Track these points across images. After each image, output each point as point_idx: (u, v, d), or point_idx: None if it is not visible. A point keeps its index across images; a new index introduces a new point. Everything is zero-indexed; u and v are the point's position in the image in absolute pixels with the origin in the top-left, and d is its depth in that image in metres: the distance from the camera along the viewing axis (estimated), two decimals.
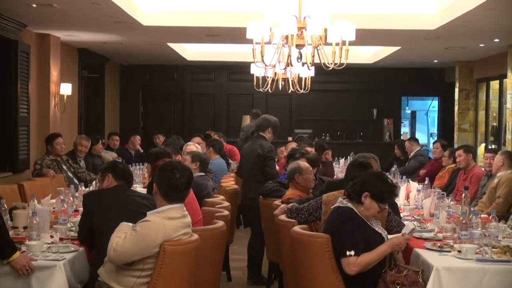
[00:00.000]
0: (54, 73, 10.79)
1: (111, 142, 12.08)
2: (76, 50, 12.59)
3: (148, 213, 4.44)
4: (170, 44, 12.59)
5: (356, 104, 16.06)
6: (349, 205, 4.71)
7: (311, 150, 8.34)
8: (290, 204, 5.74)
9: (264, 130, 8.10)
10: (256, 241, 7.63)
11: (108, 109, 14.95)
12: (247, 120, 15.47)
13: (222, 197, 7.04)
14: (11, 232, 5.24)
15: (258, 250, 7.58)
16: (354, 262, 4.51)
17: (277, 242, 6.09)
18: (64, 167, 9.20)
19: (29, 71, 9.91)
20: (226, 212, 5.91)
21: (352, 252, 4.52)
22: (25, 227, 5.38)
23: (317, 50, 6.38)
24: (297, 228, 4.96)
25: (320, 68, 6.95)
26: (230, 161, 10.52)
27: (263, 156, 7.84)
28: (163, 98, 16.50)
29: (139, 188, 7.66)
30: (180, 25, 10.07)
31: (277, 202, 6.33)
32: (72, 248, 4.91)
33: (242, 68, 13.78)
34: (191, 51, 14.54)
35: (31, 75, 10.00)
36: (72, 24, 9.89)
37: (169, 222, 4.33)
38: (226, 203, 6.45)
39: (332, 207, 4.91)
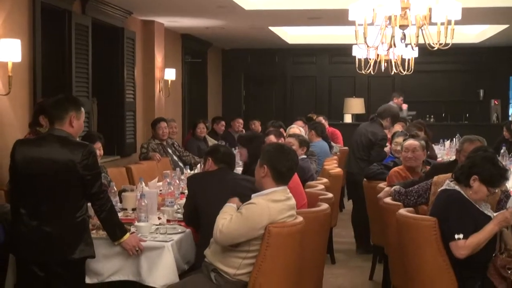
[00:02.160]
0: (159, 59, 11.00)
1: (217, 127, 12.20)
2: (179, 35, 12.78)
3: (253, 195, 4.47)
4: (272, 28, 12.60)
5: (461, 85, 15.64)
6: (457, 188, 4.59)
7: (421, 133, 8.24)
8: (396, 187, 5.66)
9: (384, 117, 8.54)
10: (360, 211, 7.75)
11: (211, 93, 15.13)
12: (349, 102, 15.37)
13: (325, 180, 7.01)
14: (120, 214, 5.40)
15: (363, 219, 7.52)
16: (463, 245, 4.40)
17: (381, 225, 6.01)
18: (170, 150, 9.38)
19: (134, 57, 10.14)
20: (330, 195, 5.89)
21: (461, 236, 4.41)
22: (133, 209, 5.52)
23: (421, 30, 6.25)
24: (403, 211, 4.88)
25: (423, 49, 6.81)
26: (332, 143, 10.45)
27: (373, 142, 8.25)
28: (264, 82, 16.55)
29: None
30: (282, 9, 10.05)
31: (381, 185, 6.25)
32: (179, 230, 5.01)
33: (344, 50, 13.61)
34: (292, 34, 14.52)
35: (136, 61, 10.23)
36: (175, 10, 10.04)
37: (274, 204, 4.35)
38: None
39: (439, 189, 4.80)
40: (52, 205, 4.30)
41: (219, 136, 11.72)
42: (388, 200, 5.53)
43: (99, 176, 4.47)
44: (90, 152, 4.38)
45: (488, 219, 4.54)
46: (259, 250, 4.31)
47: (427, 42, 6.49)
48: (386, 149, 8.33)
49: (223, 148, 5.41)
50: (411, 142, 6.54)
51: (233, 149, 8.08)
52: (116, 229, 4.55)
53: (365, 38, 6.86)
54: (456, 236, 4.40)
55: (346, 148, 11.31)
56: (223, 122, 12.32)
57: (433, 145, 10.00)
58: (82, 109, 4.57)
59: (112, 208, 4.53)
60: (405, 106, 13.41)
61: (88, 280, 4.61)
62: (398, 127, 8.91)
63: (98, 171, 4.47)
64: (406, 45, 8.01)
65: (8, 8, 6.48)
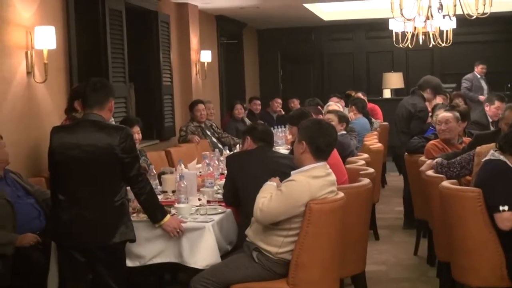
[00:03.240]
0: (194, 41, 10.96)
1: (253, 106, 12.17)
2: (213, 17, 12.73)
3: (292, 172, 4.41)
4: (306, 5, 12.46)
5: (502, 55, 15.30)
6: (502, 157, 4.49)
7: (460, 102, 8.13)
8: (438, 159, 5.55)
9: (423, 89, 8.44)
10: (406, 185, 7.72)
11: (248, 74, 15.07)
12: (388, 77, 15.18)
13: (366, 155, 6.93)
14: (160, 197, 5.39)
15: (409, 193, 7.46)
16: (508, 217, 4.31)
17: (424, 199, 5.92)
18: (208, 132, 9.37)
19: (170, 40, 10.11)
20: (371, 170, 5.81)
21: (506, 207, 4.31)
22: (173, 191, 5.50)
23: None
24: (446, 183, 4.79)
25: (462, 19, 6.68)
26: (372, 119, 10.34)
27: (413, 114, 8.18)
28: (301, 61, 16.42)
29: (282, 150, 7.67)
30: None
31: (423, 158, 6.15)
32: (219, 210, 4.99)
33: (380, 25, 13.44)
34: (327, 11, 14.36)
35: (172, 44, 10.20)
36: None
37: (314, 181, 4.29)
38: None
39: (483, 160, 4.70)
40: (90, 190, 4.30)
41: (256, 116, 11.68)
42: (430, 172, 5.43)
43: (137, 159, 4.45)
44: (127, 134, 4.37)
45: None
46: (300, 227, 4.26)
47: (465, 12, 6.36)
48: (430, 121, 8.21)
49: (261, 127, 5.36)
50: (444, 114, 6.44)
51: (272, 128, 8.03)
52: (156, 211, 4.54)
53: (401, 10, 6.75)
54: (501, 208, 4.31)
55: (386, 123, 11.20)
56: (258, 102, 12.28)
57: None
58: None
59: (151, 191, 4.52)
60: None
61: (129, 264, 4.62)
62: (439, 100, 8.76)
63: (136, 154, 4.45)
64: (444, 16, 7.90)
65: None
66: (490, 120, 7.57)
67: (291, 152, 6.08)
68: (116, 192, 4.34)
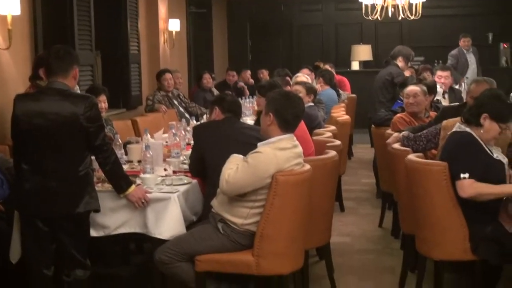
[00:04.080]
0: (162, 10, 10.82)
1: (228, 77, 12.08)
2: None
3: (258, 144, 4.39)
4: None
5: (470, 29, 15.30)
6: (467, 129, 4.52)
7: (428, 76, 8.17)
8: (405, 132, 5.58)
9: (395, 57, 8.84)
10: None
11: (216, 44, 14.95)
12: (357, 49, 15.17)
13: (333, 127, 6.93)
14: (125, 166, 5.35)
15: None
16: (469, 185, 4.32)
17: (390, 171, 5.95)
18: (175, 102, 9.31)
19: (137, 8, 9.97)
20: (338, 142, 5.81)
21: (467, 175, 4.33)
22: (139, 161, 5.46)
23: None
24: (412, 157, 4.80)
25: None
26: (340, 91, 10.34)
27: (390, 82, 8.54)
28: (270, 31, 16.32)
29: (249, 121, 7.65)
30: None
31: (389, 131, 6.18)
32: (185, 181, 4.95)
33: None
34: None
35: (140, 12, 10.06)
36: None
37: (280, 152, 4.27)
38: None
39: (449, 132, 4.73)
40: (54, 159, 4.24)
41: (230, 87, 11.60)
42: (396, 145, 5.45)
43: (102, 128, 4.40)
44: (92, 103, 4.31)
45: (499, 162, 4.49)
46: (266, 199, 4.25)
47: None
48: None
49: (229, 97, 5.31)
50: (412, 88, 6.46)
51: (240, 99, 7.98)
52: (121, 181, 4.50)
53: None
54: (462, 175, 4.34)
55: (354, 95, 11.23)
56: (233, 73, 12.19)
57: None
58: None
59: (116, 160, 4.47)
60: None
61: (94, 234, 4.58)
62: (407, 73, 8.81)
63: (101, 123, 4.40)
64: None
65: None
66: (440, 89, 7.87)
67: (257, 122, 6.08)
68: (80, 162, 4.29)
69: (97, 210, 4.42)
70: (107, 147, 4.40)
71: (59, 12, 7.62)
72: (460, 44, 13.02)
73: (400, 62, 8.78)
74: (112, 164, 4.42)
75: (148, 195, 4.57)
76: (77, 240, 4.35)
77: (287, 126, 4.35)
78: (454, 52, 13.02)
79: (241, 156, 4.39)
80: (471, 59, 12.95)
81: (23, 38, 6.68)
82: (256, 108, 8.35)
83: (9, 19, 6.09)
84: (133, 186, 4.52)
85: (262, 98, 6.15)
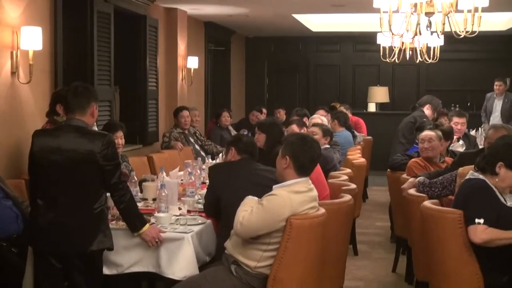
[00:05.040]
0: (182, 47, 10.93)
1: (252, 117, 11.99)
2: (202, 23, 12.70)
3: (274, 186, 4.39)
4: (295, 15, 12.48)
5: (488, 74, 15.31)
6: (481, 177, 4.49)
7: (445, 121, 8.15)
8: (420, 178, 5.55)
9: (423, 105, 9.08)
10: None
11: (234, 81, 15.04)
12: (373, 91, 15.20)
13: (349, 170, 6.92)
14: (140, 204, 5.37)
15: None
16: (483, 230, 4.27)
17: (405, 216, 5.92)
18: (192, 139, 9.34)
19: (157, 45, 10.08)
20: (353, 186, 5.80)
21: (481, 220, 4.28)
22: (154, 199, 5.47)
23: (448, 17, 6.13)
24: (427, 203, 4.78)
25: (449, 37, 6.65)
26: (356, 133, 10.35)
27: (413, 124, 8.60)
28: (288, 70, 16.42)
29: None
30: None
31: (405, 175, 6.15)
32: (199, 221, 4.94)
33: (368, 38, 13.46)
34: (316, 22, 14.38)
35: (159, 49, 10.16)
36: None
37: (295, 196, 4.27)
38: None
39: (462, 180, 4.70)
40: (70, 196, 4.26)
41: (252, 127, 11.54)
42: (412, 191, 5.43)
43: (118, 166, 4.41)
44: (109, 141, 4.33)
45: None
46: (280, 242, 4.23)
47: (453, 29, 6.37)
48: None
49: (245, 138, 5.33)
50: (426, 132, 6.46)
51: None
52: (135, 220, 4.50)
53: (390, 25, 6.75)
54: (477, 221, 4.29)
55: (370, 137, 11.22)
56: (258, 114, 11.98)
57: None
58: None
59: (131, 199, 4.48)
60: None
61: (107, 271, 4.58)
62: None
63: (117, 162, 4.42)
64: (432, 33, 7.92)
65: None
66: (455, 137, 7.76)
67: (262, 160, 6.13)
68: (95, 199, 4.30)
69: (110, 249, 4.41)
70: (122, 185, 4.41)
71: (80, 47, 7.74)
72: (495, 88, 12.38)
73: (427, 110, 9.02)
74: (127, 203, 4.43)
75: (162, 234, 4.56)
76: (89, 279, 4.33)
77: (303, 170, 4.35)
78: (488, 95, 12.63)
79: (256, 198, 4.38)
80: (497, 105, 12.34)
81: (44, 73, 6.76)
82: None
83: (30, 54, 6.18)
84: (147, 225, 4.52)
85: (263, 134, 6.21)
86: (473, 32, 6.23)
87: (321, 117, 9.07)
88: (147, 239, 4.50)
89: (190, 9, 11.03)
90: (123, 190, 4.41)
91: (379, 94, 15.19)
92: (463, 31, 6.24)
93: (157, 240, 4.51)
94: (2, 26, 5.98)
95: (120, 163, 4.57)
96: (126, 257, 4.59)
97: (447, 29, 6.15)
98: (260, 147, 6.22)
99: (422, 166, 6.28)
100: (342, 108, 11.79)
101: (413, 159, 6.46)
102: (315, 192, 4.43)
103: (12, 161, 6.11)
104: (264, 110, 12.27)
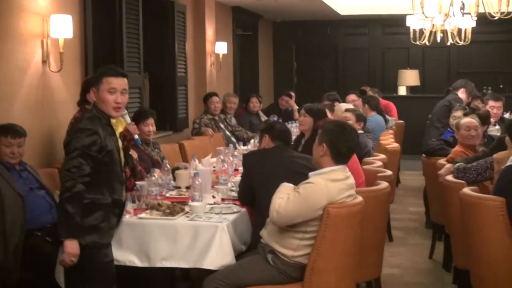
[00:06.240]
0: (210, 32, 10.85)
1: (282, 102, 11.88)
2: (230, 8, 12.60)
3: (310, 174, 4.31)
4: None
5: None
6: None
7: (482, 105, 8.00)
8: (457, 164, 5.44)
9: (457, 89, 8.91)
10: None
11: (262, 66, 14.94)
12: (403, 74, 15.02)
13: (383, 156, 6.81)
14: (174, 192, 5.31)
15: None
16: None
17: (441, 202, 5.82)
18: (222, 125, 9.28)
19: (185, 31, 10.00)
20: (389, 172, 5.70)
21: None
22: (187, 187, 5.42)
23: None
24: (467, 190, 4.67)
25: (481, 18, 6.51)
26: (387, 117, 10.21)
27: (448, 107, 8.38)
28: (316, 54, 16.26)
29: None
30: None
31: (442, 161, 6.03)
32: (234, 209, 4.88)
33: (397, 21, 13.28)
34: (344, 6, 14.22)
35: (187, 35, 10.09)
36: None
37: (333, 184, 4.18)
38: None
39: (503, 166, 4.59)
40: None
41: (282, 112, 11.43)
42: (450, 177, 5.32)
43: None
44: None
45: None
46: (317, 231, 4.16)
47: (487, 11, 6.24)
48: None
49: (279, 125, 5.26)
50: (470, 120, 6.20)
51: (286, 123, 7.91)
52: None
53: (422, 7, 6.63)
54: None
55: (402, 121, 11.09)
56: (288, 98, 11.83)
57: None
58: None
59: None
60: None
61: (138, 263, 4.54)
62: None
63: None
64: (464, 14, 7.77)
65: None
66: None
67: (295, 143, 6.06)
68: None
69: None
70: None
71: (109, 35, 7.69)
72: None
73: (462, 94, 8.85)
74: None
75: (197, 223, 4.51)
76: None
77: (340, 158, 4.26)
78: None
79: (291, 185, 4.31)
80: None
81: (74, 61, 6.72)
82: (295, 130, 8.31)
83: (61, 42, 6.13)
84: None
85: (310, 118, 6.15)
86: (508, 13, 6.09)
87: (352, 102, 9.00)
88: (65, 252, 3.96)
89: None
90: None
91: (410, 78, 15.00)
92: (497, 12, 6.10)
93: (72, 259, 3.96)
94: (32, 15, 5.94)
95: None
96: (158, 250, 4.51)
97: (480, 10, 6.02)
98: (303, 130, 6.21)
99: (467, 155, 6.09)
100: (371, 93, 11.67)
101: (458, 149, 6.14)
102: (352, 180, 4.35)
103: (45, 150, 6.09)
104: (293, 94, 12.13)
